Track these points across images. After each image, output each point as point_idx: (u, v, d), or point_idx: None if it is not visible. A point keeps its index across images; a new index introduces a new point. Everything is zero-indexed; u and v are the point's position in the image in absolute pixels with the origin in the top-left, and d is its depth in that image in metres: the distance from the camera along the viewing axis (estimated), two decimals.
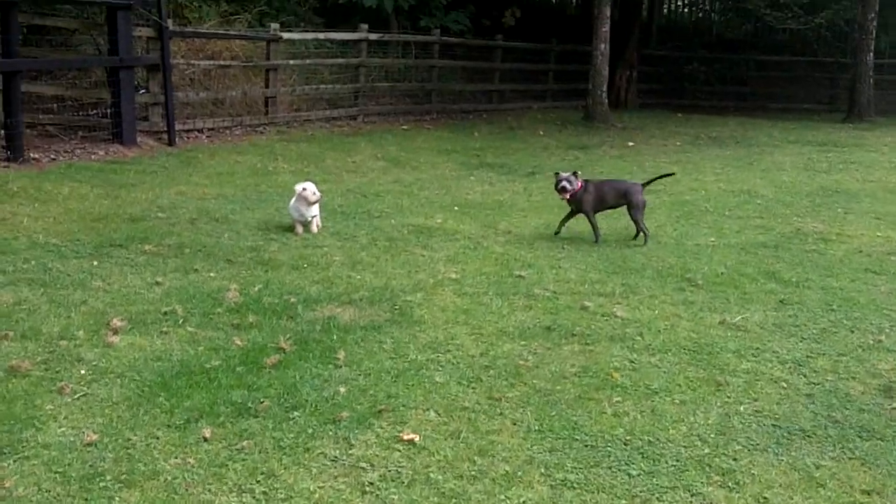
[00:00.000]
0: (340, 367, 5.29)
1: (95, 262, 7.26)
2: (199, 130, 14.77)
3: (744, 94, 27.21)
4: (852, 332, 6.35)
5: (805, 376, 5.50)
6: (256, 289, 6.72)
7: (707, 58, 27.65)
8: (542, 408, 4.84)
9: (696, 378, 5.37)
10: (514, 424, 4.64)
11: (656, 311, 6.63)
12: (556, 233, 8.92)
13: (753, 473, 4.25)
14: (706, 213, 10.47)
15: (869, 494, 4.10)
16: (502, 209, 10.40)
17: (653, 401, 5.01)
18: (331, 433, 4.42)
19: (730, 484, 4.14)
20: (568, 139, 18.02)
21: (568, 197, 8.59)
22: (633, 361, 5.60)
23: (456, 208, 10.32)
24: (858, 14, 22.94)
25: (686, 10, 36.23)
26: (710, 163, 14.82)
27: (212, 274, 7.12)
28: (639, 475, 4.18)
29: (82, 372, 5.03)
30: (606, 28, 19.70)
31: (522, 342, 5.87)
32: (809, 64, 27.37)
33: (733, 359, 5.73)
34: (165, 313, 6.11)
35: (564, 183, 8.56)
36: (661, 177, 9.63)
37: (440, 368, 5.35)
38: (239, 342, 5.60)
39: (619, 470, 4.22)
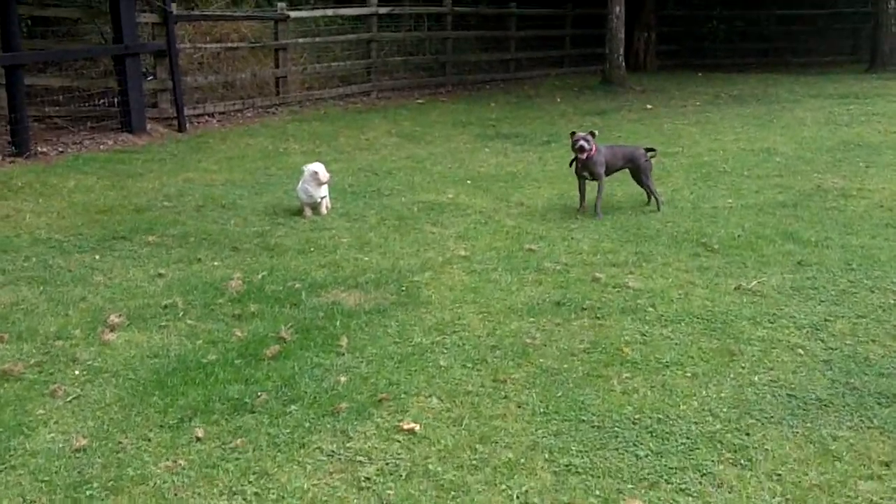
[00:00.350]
0: (343, 354, 5.15)
1: (98, 257, 7.15)
2: (209, 114, 14.66)
3: (765, 50, 26.75)
4: (872, 291, 6.14)
5: (822, 341, 5.30)
6: (260, 276, 6.59)
7: (727, 15, 27.15)
8: (548, 388, 4.69)
9: (709, 349, 5.18)
10: (519, 408, 4.48)
11: (670, 280, 6.44)
12: (581, 209, 8.56)
13: (767, 448, 4.07)
14: (724, 173, 10.23)
15: (888, 466, 3.92)
16: (516, 181, 10.21)
17: (664, 375, 4.84)
18: (328, 426, 4.28)
19: (742, 461, 3.97)
20: (585, 105, 17.74)
21: (585, 157, 8.23)
22: (644, 334, 5.42)
23: (469, 182, 10.14)
24: None
25: None
26: (730, 122, 14.52)
27: (216, 263, 7.00)
28: (647, 456, 4.01)
29: (76, 373, 4.92)
30: None
31: (531, 319, 5.70)
32: (831, 16, 26.85)
33: (748, 326, 5.54)
34: (166, 307, 5.99)
35: (582, 142, 8.20)
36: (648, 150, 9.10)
37: (445, 351, 5.20)
38: (239, 334, 5.48)
39: (627, 451, 4.06)
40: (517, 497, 3.71)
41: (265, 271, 6.72)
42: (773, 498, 3.70)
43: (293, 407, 4.48)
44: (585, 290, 6.24)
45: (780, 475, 3.86)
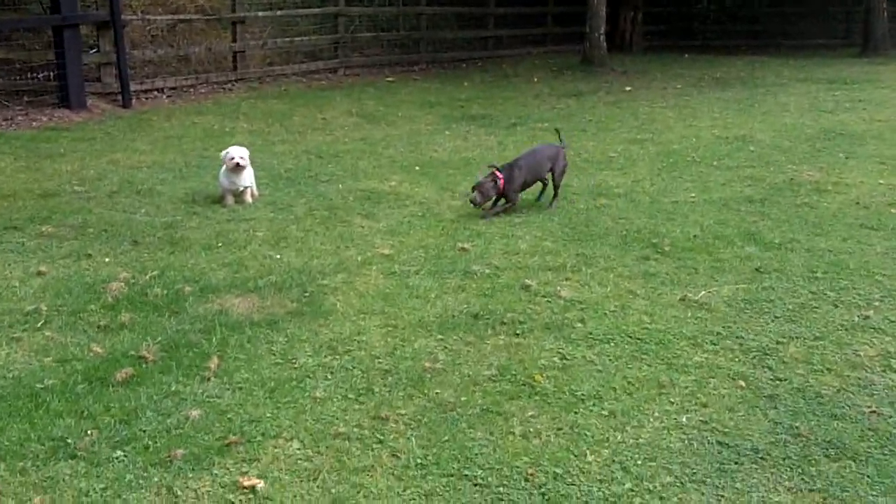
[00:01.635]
0: (207, 380, 4.41)
1: None
2: (159, 90, 13.86)
3: (756, 32, 25.87)
4: (836, 306, 5.40)
5: (770, 369, 4.57)
6: (149, 277, 5.85)
7: None
8: (435, 429, 3.95)
9: (636, 378, 4.44)
10: (394, 457, 3.74)
11: (608, 289, 5.70)
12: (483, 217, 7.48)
13: None
14: (693, 163, 9.47)
15: None
16: (468, 167, 9.44)
17: (576, 413, 4.10)
18: (154, 480, 3.54)
19: None
20: (563, 86, 16.93)
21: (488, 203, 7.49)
22: (564, 357, 4.68)
23: (417, 168, 9.38)
24: None
25: None
26: (709, 106, 13.74)
27: (107, 259, 6.26)
28: None
29: None
30: None
31: (440, 336, 4.97)
32: None
33: (687, 349, 4.80)
34: (28, 314, 5.25)
35: (476, 196, 7.37)
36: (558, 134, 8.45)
37: (329, 377, 4.46)
38: (98, 350, 4.73)
39: None
40: None
41: (157, 271, 5.98)
42: None
43: (121, 452, 3.73)
44: (510, 299, 5.49)
45: None
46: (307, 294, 5.62)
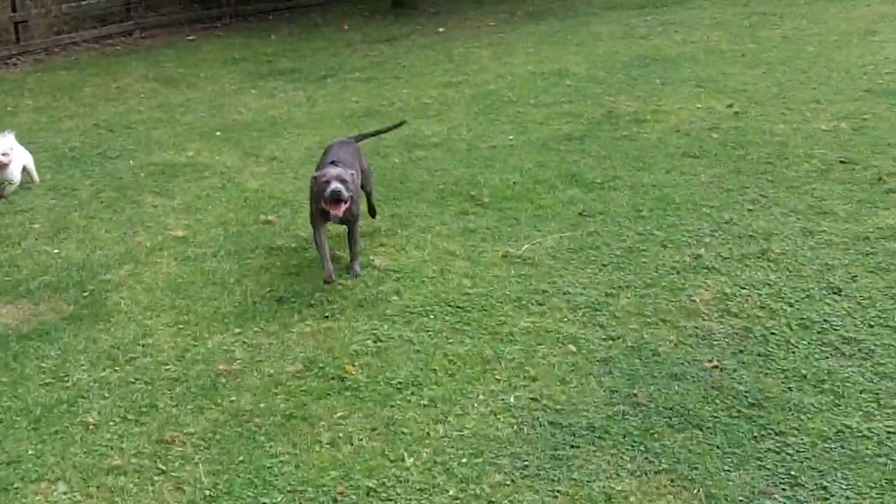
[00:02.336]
0: None
1: None
2: None
3: None
4: (665, 246, 5.08)
5: (602, 327, 4.18)
6: None
7: None
8: (228, 449, 3.39)
9: (457, 356, 3.99)
10: (178, 490, 3.17)
11: (426, 251, 5.23)
12: (329, 278, 4.84)
13: None
14: (509, 103, 9.04)
15: None
16: (275, 128, 8.78)
17: (392, 406, 3.61)
18: None
19: None
20: (375, 32, 16.27)
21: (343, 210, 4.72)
22: (379, 339, 4.19)
23: (218, 134, 8.65)
24: None
25: None
26: (523, 42, 13.36)
27: None
28: None
29: None
30: None
31: (237, 329, 4.40)
32: None
33: (511, 313, 4.37)
34: None
35: (337, 186, 4.65)
36: (386, 130, 6.60)
37: (105, 395, 3.84)
38: None
39: None
40: None
41: None
42: None
43: None
44: (319, 276, 4.93)
45: None
46: (86, 294, 4.95)
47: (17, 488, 3.19)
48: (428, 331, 4.24)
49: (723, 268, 4.74)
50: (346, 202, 4.65)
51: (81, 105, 10.64)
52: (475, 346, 4.05)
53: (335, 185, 4.61)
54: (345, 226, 4.99)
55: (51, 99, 11.10)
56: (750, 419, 3.38)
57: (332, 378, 3.84)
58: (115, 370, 4.05)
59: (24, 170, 6.97)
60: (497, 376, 3.79)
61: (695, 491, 3.00)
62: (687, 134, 7.29)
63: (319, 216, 4.86)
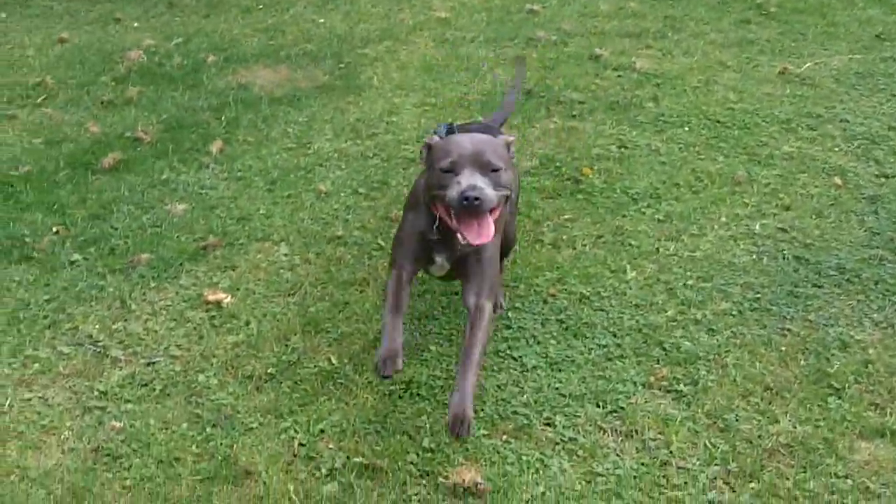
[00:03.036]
0: (205, 167, 3.84)
1: (3, 14, 5.85)
2: None
3: None
4: None
5: (877, 163, 3.74)
6: (172, 44, 5.23)
7: None
8: None
9: (706, 173, 3.68)
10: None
11: (694, 59, 4.85)
12: None
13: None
14: None
15: None
16: None
17: (624, 216, 3.43)
18: (109, 290, 3.03)
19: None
20: None
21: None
22: (624, 146, 3.96)
23: None
24: None
25: None
26: None
27: (136, 24, 5.69)
28: None
29: None
30: None
31: (480, 115, 4.22)
32: None
33: (777, 135, 3.99)
34: (33, 87, 4.72)
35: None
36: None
37: (341, 167, 3.87)
38: (94, 129, 4.19)
39: None
40: None
41: (183, 37, 5.34)
42: None
43: (81, 255, 3.22)
44: (574, 73, 4.75)
45: None
46: (342, 66, 4.93)
47: (241, 244, 3.25)
48: (679, 142, 3.93)
49: None
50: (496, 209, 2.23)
51: None
52: (728, 165, 3.72)
53: (474, 179, 2.17)
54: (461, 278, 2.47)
55: None
56: None
57: (567, 179, 3.64)
58: (357, 143, 4.02)
59: None
60: (746, 200, 3.47)
61: None
62: None
63: (418, 240, 2.43)
